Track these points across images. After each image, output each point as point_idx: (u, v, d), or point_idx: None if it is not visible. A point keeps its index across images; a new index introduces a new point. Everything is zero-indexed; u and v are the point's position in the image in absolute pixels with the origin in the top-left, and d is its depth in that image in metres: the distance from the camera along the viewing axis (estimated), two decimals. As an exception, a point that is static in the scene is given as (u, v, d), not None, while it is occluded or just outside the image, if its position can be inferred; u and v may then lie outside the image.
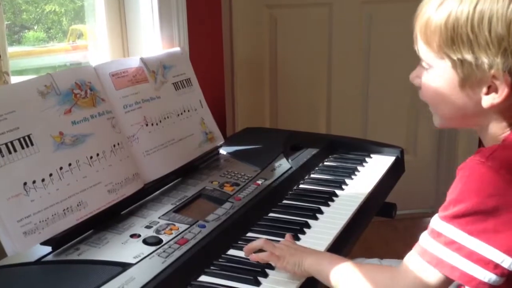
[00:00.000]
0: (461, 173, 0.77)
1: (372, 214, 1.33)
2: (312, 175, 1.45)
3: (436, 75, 0.81)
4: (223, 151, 1.52)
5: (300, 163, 1.46)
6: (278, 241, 1.08)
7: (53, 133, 1.05)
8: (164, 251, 1.00)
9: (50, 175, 1.02)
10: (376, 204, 1.37)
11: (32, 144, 1.01)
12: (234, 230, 1.12)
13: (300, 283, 0.97)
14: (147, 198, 1.22)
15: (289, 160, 1.47)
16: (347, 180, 1.40)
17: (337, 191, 1.33)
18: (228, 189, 1.28)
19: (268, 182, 1.33)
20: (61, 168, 1.04)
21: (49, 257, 0.99)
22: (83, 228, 1.06)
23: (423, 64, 0.84)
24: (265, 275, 0.98)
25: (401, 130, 2.52)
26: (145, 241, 1.03)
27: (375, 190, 1.37)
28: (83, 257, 0.98)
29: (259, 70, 2.37)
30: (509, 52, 0.73)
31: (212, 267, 1.00)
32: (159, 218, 1.12)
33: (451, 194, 0.77)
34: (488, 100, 0.77)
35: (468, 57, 0.76)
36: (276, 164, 1.43)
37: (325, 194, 1.31)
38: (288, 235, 1.09)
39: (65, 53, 1.72)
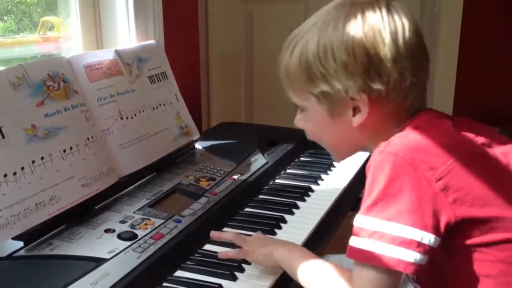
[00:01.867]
0: (368, 170, 0.80)
1: (347, 209, 1.33)
2: (288, 170, 1.45)
3: (310, 114, 0.89)
4: (198, 145, 1.51)
5: (276, 158, 1.47)
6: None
7: (25, 126, 1.03)
8: (139, 246, 0.98)
9: (22, 168, 1.00)
10: (352, 199, 1.38)
11: (3, 137, 0.98)
12: (210, 225, 1.11)
13: (275, 277, 0.96)
14: (121, 193, 1.21)
15: (265, 155, 1.47)
16: (322, 175, 1.41)
17: (313, 186, 1.34)
18: (204, 183, 1.27)
19: (244, 177, 1.32)
20: (33, 162, 1.02)
21: (21, 252, 0.97)
22: (56, 223, 1.04)
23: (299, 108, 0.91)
24: (242, 270, 0.98)
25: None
26: (119, 236, 1.01)
27: (350, 185, 1.38)
28: (56, 252, 0.96)
29: (234, 65, 2.37)
30: (355, 74, 0.80)
31: (188, 262, 1.00)
32: (134, 212, 1.11)
33: (365, 191, 0.79)
34: (357, 120, 0.84)
35: (326, 88, 0.83)
36: (252, 159, 1.43)
37: (301, 189, 1.32)
38: (258, 232, 1.08)
39: (36, 44, 1.68)
